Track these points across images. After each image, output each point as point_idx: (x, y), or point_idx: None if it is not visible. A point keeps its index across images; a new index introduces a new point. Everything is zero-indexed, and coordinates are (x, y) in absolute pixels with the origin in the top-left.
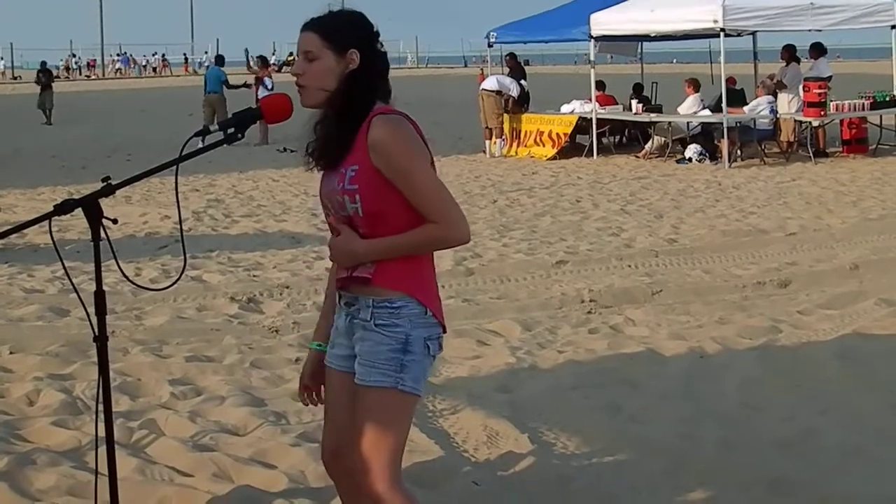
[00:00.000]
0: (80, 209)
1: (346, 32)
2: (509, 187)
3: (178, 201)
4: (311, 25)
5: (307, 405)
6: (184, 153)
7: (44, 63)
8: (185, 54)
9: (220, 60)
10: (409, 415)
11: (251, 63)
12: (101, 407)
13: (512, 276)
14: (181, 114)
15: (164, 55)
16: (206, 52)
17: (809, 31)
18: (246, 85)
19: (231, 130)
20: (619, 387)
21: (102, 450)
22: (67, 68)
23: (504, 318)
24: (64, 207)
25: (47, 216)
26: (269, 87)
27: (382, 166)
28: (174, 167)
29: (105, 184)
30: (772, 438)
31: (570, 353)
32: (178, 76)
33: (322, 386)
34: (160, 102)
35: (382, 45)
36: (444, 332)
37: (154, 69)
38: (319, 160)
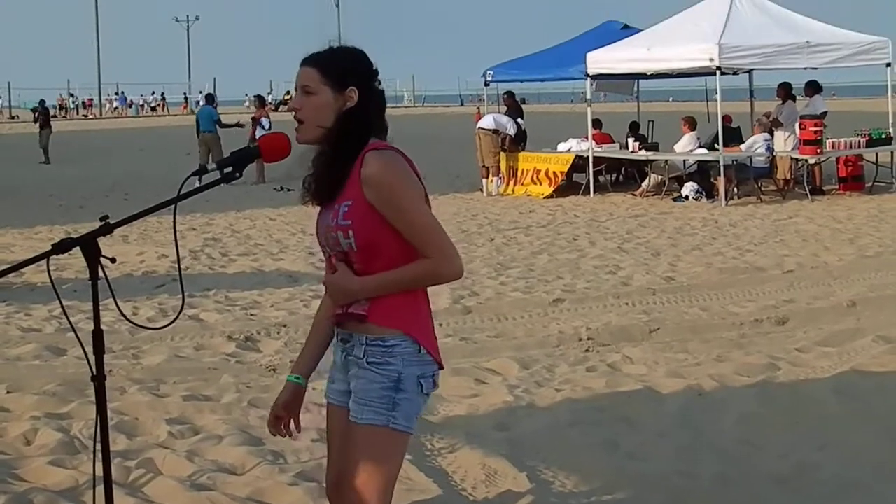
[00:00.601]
0: (77, 248)
1: (346, 69)
2: (506, 226)
3: (175, 240)
4: (311, 61)
5: (275, 435)
6: (181, 192)
7: (42, 101)
8: (185, 94)
9: (210, 99)
10: (400, 452)
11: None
12: (99, 446)
13: (509, 314)
14: (178, 153)
15: (163, 93)
16: (200, 92)
17: (805, 69)
18: (238, 124)
19: (229, 169)
20: (617, 424)
21: (100, 489)
22: (64, 108)
23: (502, 356)
24: (62, 246)
25: (45, 255)
26: (266, 126)
27: (375, 201)
28: (172, 206)
29: (103, 223)
30: (770, 474)
31: (567, 392)
32: (176, 115)
33: (293, 416)
34: (157, 141)
35: (381, 83)
36: (441, 368)
37: (152, 108)
38: (315, 197)
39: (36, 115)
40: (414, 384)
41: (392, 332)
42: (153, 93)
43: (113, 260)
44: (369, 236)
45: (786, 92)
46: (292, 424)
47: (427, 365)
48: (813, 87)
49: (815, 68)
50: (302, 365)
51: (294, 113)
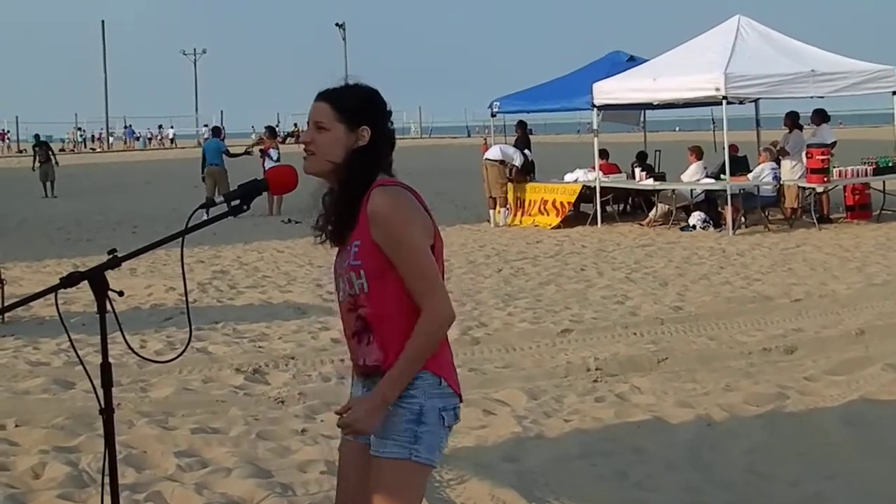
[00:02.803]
0: (85, 281)
1: (360, 108)
2: (514, 256)
3: (183, 273)
4: (326, 96)
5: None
6: (189, 225)
7: (37, 136)
8: (197, 130)
9: (216, 132)
10: (422, 485)
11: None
12: (107, 480)
13: (517, 345)
14: (186, 186)
15: (171, 127)
16: (205, 126)
17: (811, 97)
18: (247, 152)
19: (237, 202)
20: (626, 455)
21: None
22: (73, 141)
23: (510, 387)
24: (70, 280)
25: (53, 289)
26: (275, 158)
27: (378, 238)
28: (179, 239)
29: (111, 256)
30: None
31: (576, 422)
32: (184, 148)
33: None
34: (165, 175)
35: (392, 124)
36: (461, 401)
37: (171, 140)
38: (329, 238)
39: (34, 150)
40: (436, 417)
41: None
42: (160, 126)
43: (121, 293)
44: (378, 276)
45: (792, 121)
46: None
47: (448, 398)
48: (820, 116)
49: (822, 97)
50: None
51: (305, 146)
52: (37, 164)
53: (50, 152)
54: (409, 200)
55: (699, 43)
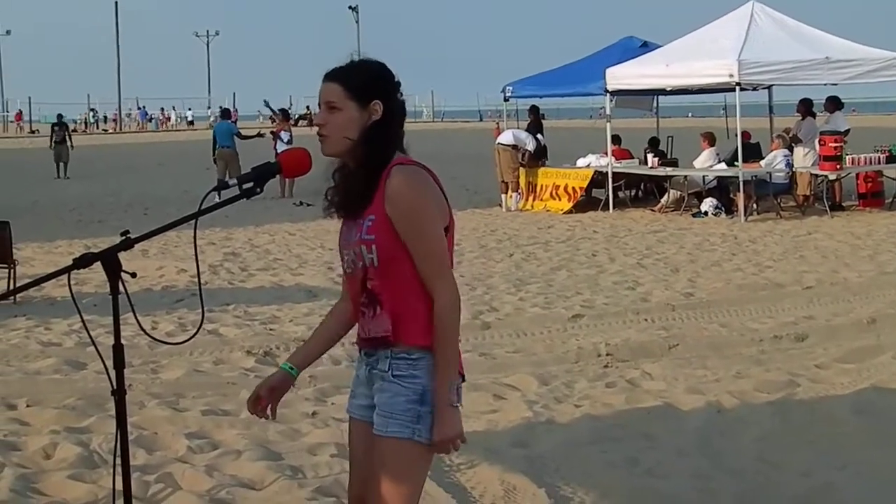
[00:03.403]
0: (98, 263)
1: (369, 83)
2: (525, 241)
3: (196, 256)
4: (334, 76)
5: (252, 413)
6: (202, 207)
7: (59, 116)
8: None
9: (226, 114)
10: (425, 465)
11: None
12: (118, 461)
13: (528, 330)
14: (198, 168)
15: (189, 109)
16: (220, 107)
17: (825, 84)
18: (259, 134)
19: (250, 185)
20: (636, 441)
21: (120, 502)
22: (85, 122)
23: (521, 372)
24: (83, 261)
25: (66, 270)
26: (286, 140)
27: (394, 216)
28: (191, 221)
29: (124, 238)
30: (789, 494)
31: (586, 408)
32: (196, 129)
33: (273, 402)
34: (177, 156)
35: (402, 95)
36: (463, 380)
37: (190, 122)
38: (340, 210)
39: (53, 130)
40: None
41: (417, 346)
42: (173, 107)
43: (133, 275)
44: (390, 252)
45: (806, 108)
46: (269, 410)
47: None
48: (834, 103)
49: (835, 84)
50: (299, 358)
51: (319, 128)
52: (53, 143)
53: (67, 133)
54: (426, 181)
55: (713, 29)
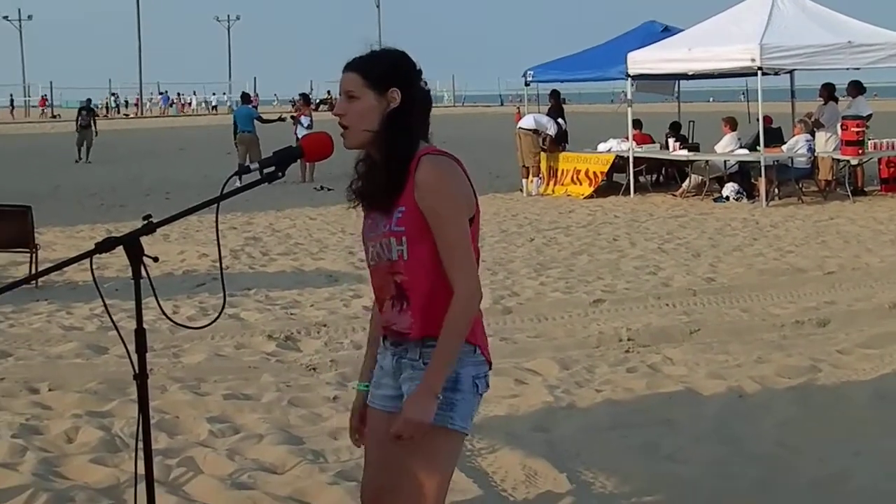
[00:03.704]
0: (120, 247)
1: (387, 72)
2: (546, 226)
3: (218, 240)
4: (353, 66)
5: (359, 446)
6: (224, 192)
7: (88, 100)
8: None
9: (246, 98)
10: (456, 452)
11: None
12: (141, 444)
13: (549, 314)
14: (219, 152)
15: (213, 94)
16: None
17: (848, 69)
18: (281, 118)
19: (271, 169)
20: (657, 426)
21: (142, 487)
22: (106, 107)
23: (542, 356)
24: (105, 245)
25: (88, 254)
26: (307, 124)
27: (423, 206)
28: (213, 206)
29: (146, 222)
30: (809, 479)
31: (607, 393)
32: (217, 115)
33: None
34: (198, 141)
35: (426, 83)
36: (490, 367)
37: (213, 107)
38: (367, 202)
39: (80, 114)
40: (470, 384)
41: None
42: (194, 93)
43: (156, 259)
44: (419, 243)
45: (828, 93)
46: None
47: (480, 365)
48: (856, 88)
49: (858, 68)
50: (366, 372)
51: (339, 119)
52: (79, 127)
53: (93, 118)
54: (456, 171)
55: (735, 13)
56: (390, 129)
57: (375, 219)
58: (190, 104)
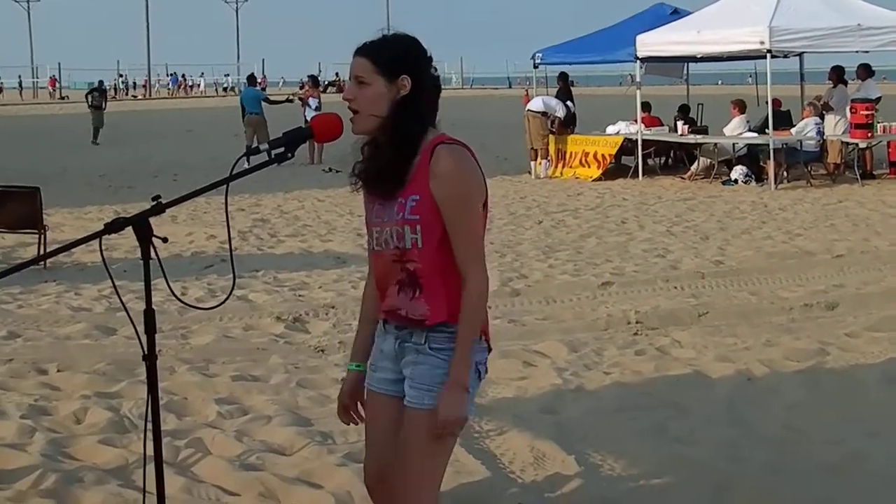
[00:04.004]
0: (129, 228)
1: (398, 58)
2: (555, 208)
3: (227, 221)
4: (364, 51)
5: (348, 424)
6: (233, 173)
7: (100, 82)
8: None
9: (252, 80)
10: (455, 437)
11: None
12: (149, 425)
13: (558, 297)
14: (227, 134)
15: (227, 75)
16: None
17: (857, 52)
18: (289, 100)
19: (281, 150)
20: (666, 409)
21: (150, 468)
22: (114, 89)
23: (550, 339)
24: (114, 226)
25: (98, 234)
26: (314, 106)
27: (439, 196)
28: (222, 187)
29: (155, 203)
30: (819, 462)
31: (616, 375)
32: (225, 96)
33: (359, 402)
34: (206, 123)
35: (436, 69)
36: (490, 351)
37: (225, 88)
38: (371, 188)
39: (92, 95)
40: (473, 370)
41: (455, 320)
42: (201, 74)
43: (165, 240)
44: (433, 231)
45: (837, 76)
46: (361, 410)
47: (483, 351)
48: (865, 70)
49: (867, 51)
50: (360, 352)
51: (348, 103)
52: (92, 108)
53: (105, 100)
54: (471, 161)
55: None
56: (399, 115)
57: (385, 206)
58: (199, 86)
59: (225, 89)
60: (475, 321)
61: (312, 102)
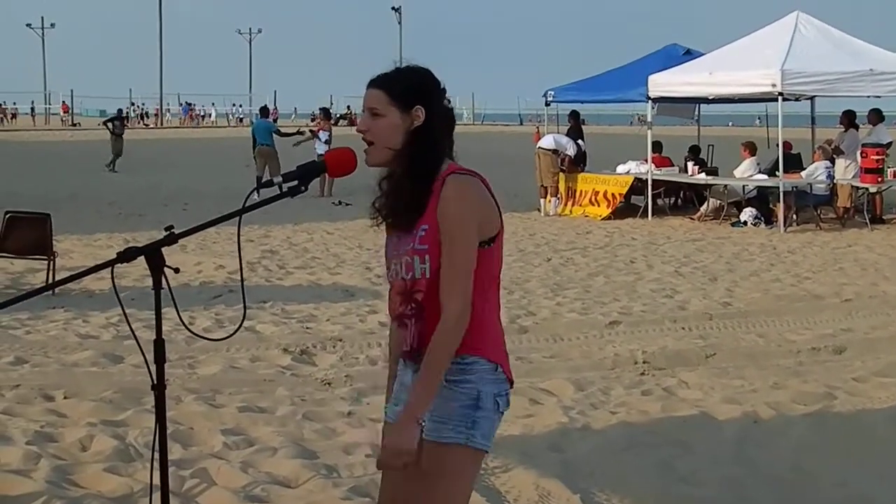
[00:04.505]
0: (141, 257)
1: (412, 89)
2: (563, 246)
3: (239, 253)
4: (377, 82)
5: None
6: (246, 205)
7: (119, 110)
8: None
9: (265, 112)
10: (476, 470)
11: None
12: (156, 455)
13: (565, 335)
14: (238, 164)
15: (240, 106)
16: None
17: (868, 97)
18: (299, 132)
19: (294, 183)
20: (672, 449)
21: (156, 497)
22: (127, 117)
23: (557, 377)
24: (127, 255)
25: (110, 263)
26: (324, 139)
27: (440, 222)
28: (231, 218)
29: (168, 233)
30: (828, 503)
31: (622, 414)
32: (236, 127)
33: None
34: (217, 153)
35: (449, 101)
36: (512, 385)
37: (240, 120)
38: (390, 220)
39: (114, 123)
40: (491, 402)
41: (468, 352)
42: (213, 104)
43: (177, 270)
44: (438, 261)
45: (849, 120)
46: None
47: (502, 383)
48: (877, 115)
49: (879, 96)
50: (392, 394)
51: (362, 135)
52: (113, 137)
53: (124, 128)
54: (479, 191)
55: (757, 38)
56: (414, 146)
57: (400, 237)
58: (210, 116)
59: (240, 119)
60: (440, 355)
61: (322, 135)
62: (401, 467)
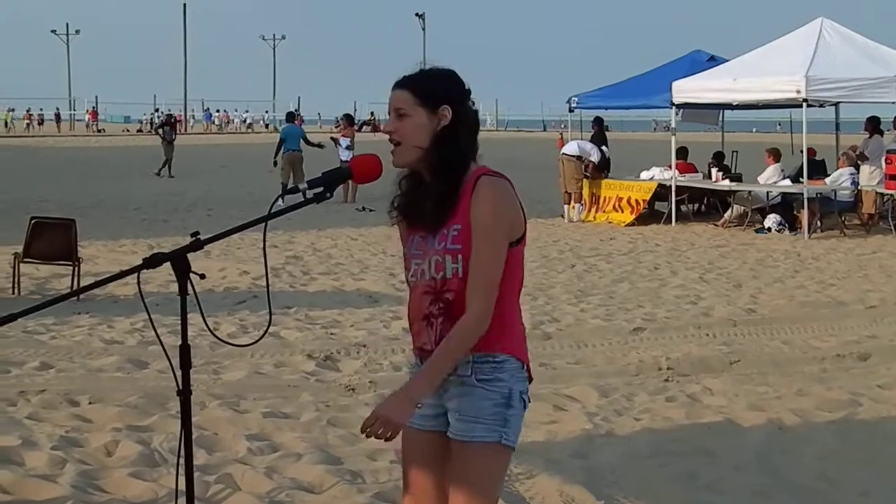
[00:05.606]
0: (167, 263)
1: (438, 89)
2: (587, 252)
3: (265, 260)
4: (403, 83)
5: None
6: (272, 211)
7: (170, 115)
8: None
9: (291, 117)
10: (506, 469)
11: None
12: (182, 460)
13: (589, 341)
14: (261, 170)
15: (266, 112)
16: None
17: (893, 103)
18: (320, 145)
19: (320, 190)
20: (696, 456)
21: (182, 502)
22: (150, 123)
23: (581, 383)
24: (153, 261)
25: (136, 269)
26: (345, 146)
27: (473, 223)
28: (257, 224)
29: (194, 239)
30: None
31: (646, 421)
32: (259, 133)
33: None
34: (240, 159)
35: (474, 103)
36: (530, 381)
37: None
38: (413, 219)
39: (164, 129)
40: (520, 400)
41: (501, 350)
42: (236, 110)
43: (202, 276)
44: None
45: (873, 126)
46: None
47: (525, 381)
48: None
49: None
50: None
51: (389, 136)
52: (164, 142)
53: (174, 133)
54: (509, 195)
55: (781, 44)
56: (441, 146)
57: (426, 237)
58: (234, 122)
59: (266, 125)
60: (456, 348)
61: (344, 142)
62: (382, 438)
